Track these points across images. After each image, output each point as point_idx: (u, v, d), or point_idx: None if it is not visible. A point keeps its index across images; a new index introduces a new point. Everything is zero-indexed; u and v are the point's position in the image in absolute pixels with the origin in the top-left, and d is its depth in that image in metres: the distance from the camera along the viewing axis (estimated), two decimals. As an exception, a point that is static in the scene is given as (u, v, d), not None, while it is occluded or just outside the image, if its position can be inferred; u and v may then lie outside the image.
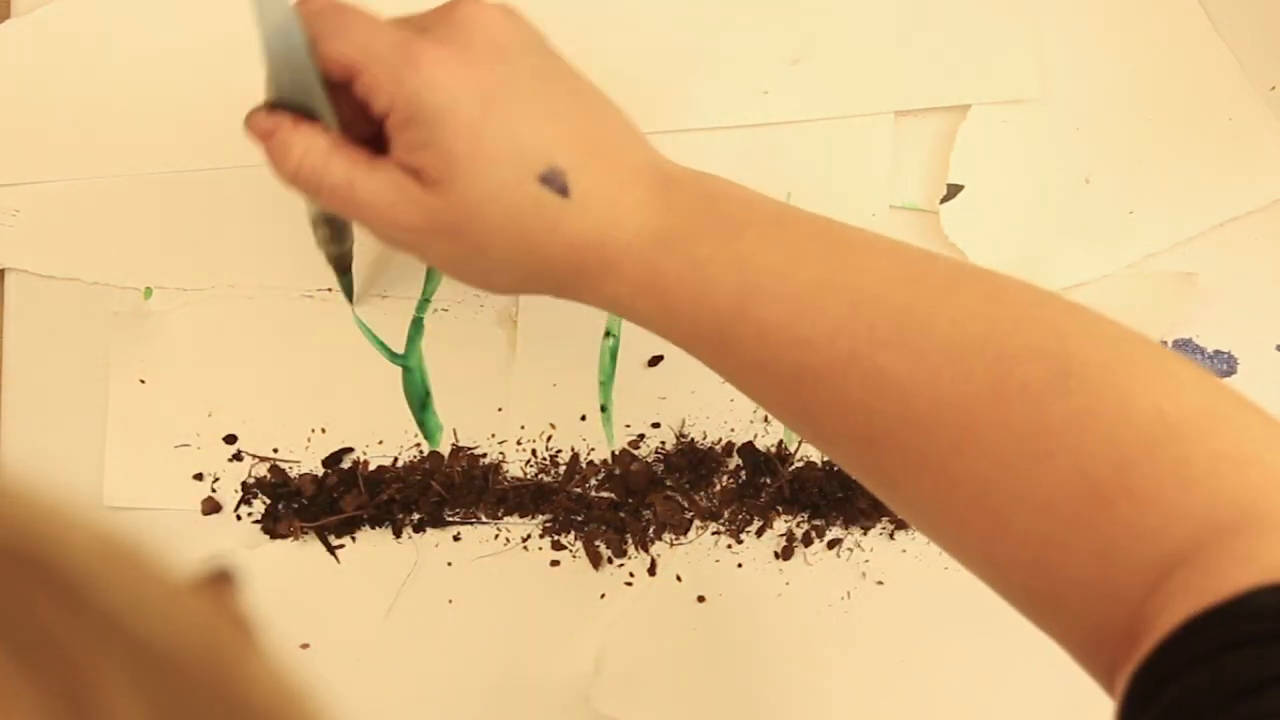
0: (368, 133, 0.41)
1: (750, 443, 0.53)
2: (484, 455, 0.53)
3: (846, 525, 0.53)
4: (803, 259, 0.40)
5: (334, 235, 0.48)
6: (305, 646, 0.52)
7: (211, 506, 0.53)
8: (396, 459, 0.53)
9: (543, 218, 0.40)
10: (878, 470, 0.40)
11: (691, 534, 0.53)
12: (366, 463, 0.53)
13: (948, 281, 0.39)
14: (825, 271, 0.39)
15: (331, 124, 0.41)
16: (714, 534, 0.53)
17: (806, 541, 0.53)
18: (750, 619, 0.53)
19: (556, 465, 0.53)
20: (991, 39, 0.54)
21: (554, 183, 0.40)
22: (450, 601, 0.53)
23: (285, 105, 0.41)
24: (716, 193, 0.42)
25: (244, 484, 0.53)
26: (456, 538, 0.53)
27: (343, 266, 0.50)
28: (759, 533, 0.53)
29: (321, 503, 0.53)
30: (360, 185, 0.40)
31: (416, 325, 0.54)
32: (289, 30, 0.39)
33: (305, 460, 0.53)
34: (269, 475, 0.53)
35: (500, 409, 0.53)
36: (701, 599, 0.53)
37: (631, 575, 0.53)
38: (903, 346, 0.38)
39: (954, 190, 0.54)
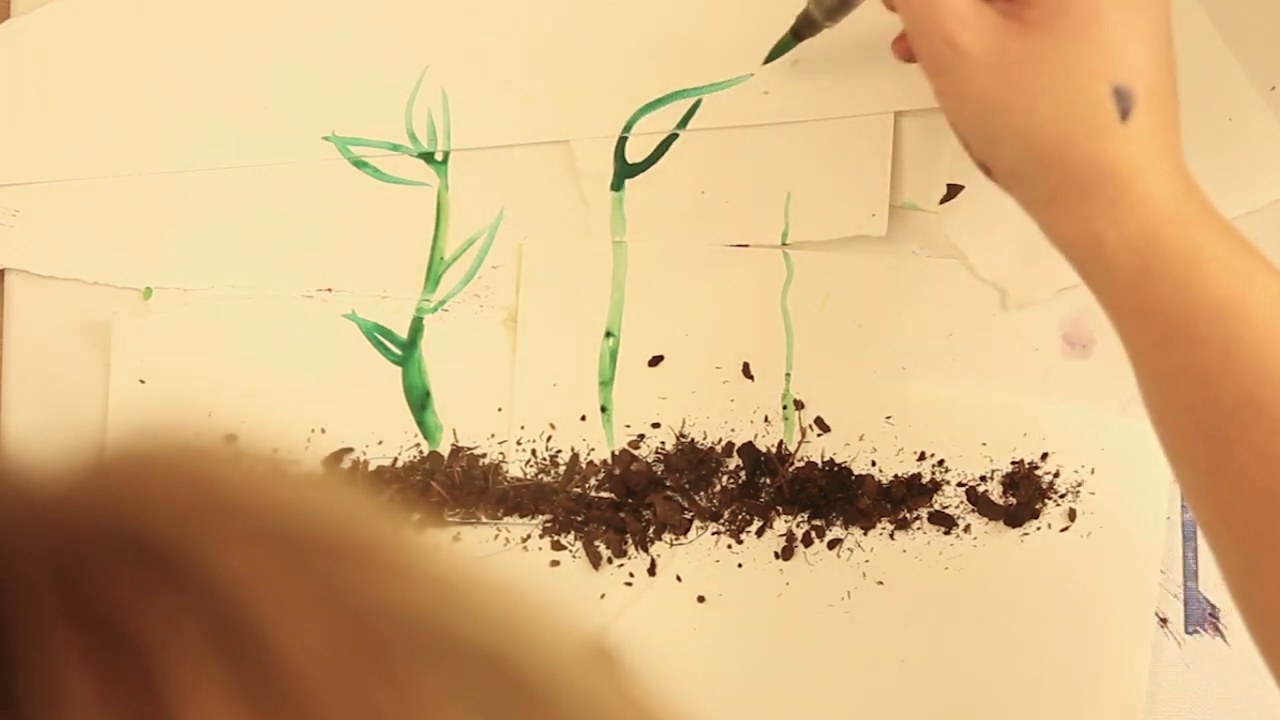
0: None
1: (750, 443, 0.53)
2: (484, 455, 0.53)
3: (846, 525, 0.53)
4: None
5: (834, 8, 0.48)
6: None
7: (211, 506, 0.53)
8: (396, 459, 0.53)
9: (1093, 119, 0.40)
10: (1258, 535, 0.38)
11: (691, 534, 0.53)
12: (366, 463, 0.53)
13: None
14: None
15: None
16: (714, 534, 0.53)
17: (806, 541, 0.53)
18: (750, 619, 0.53)
19: (556, 465, 0.53)
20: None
21: (1123, 100, 0.40)
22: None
23: None
24: (1227, 221, 0.42)
25: (244, 484, 0.53)
26: (456, 538, 0.53)
27: (805, 34, 0.50)
28: (759, 533, 0.53)
29: (321, 503, 0.52)
30: None
31: (416, 325, 0.54)
32: None
33: (305, 461, 0.53)
34: (269, 475, 0.53)
35: (500, 409, 0.53)
36: (701, 599, 0.53)
37: (631, 575, 0.53)
38: None
39: (954, 190, 0.54)
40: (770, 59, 0.51)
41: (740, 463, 0.53)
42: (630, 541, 0.53)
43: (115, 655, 0.18)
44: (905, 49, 0.46)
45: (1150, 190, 0.40)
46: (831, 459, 0.54)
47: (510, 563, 0.53)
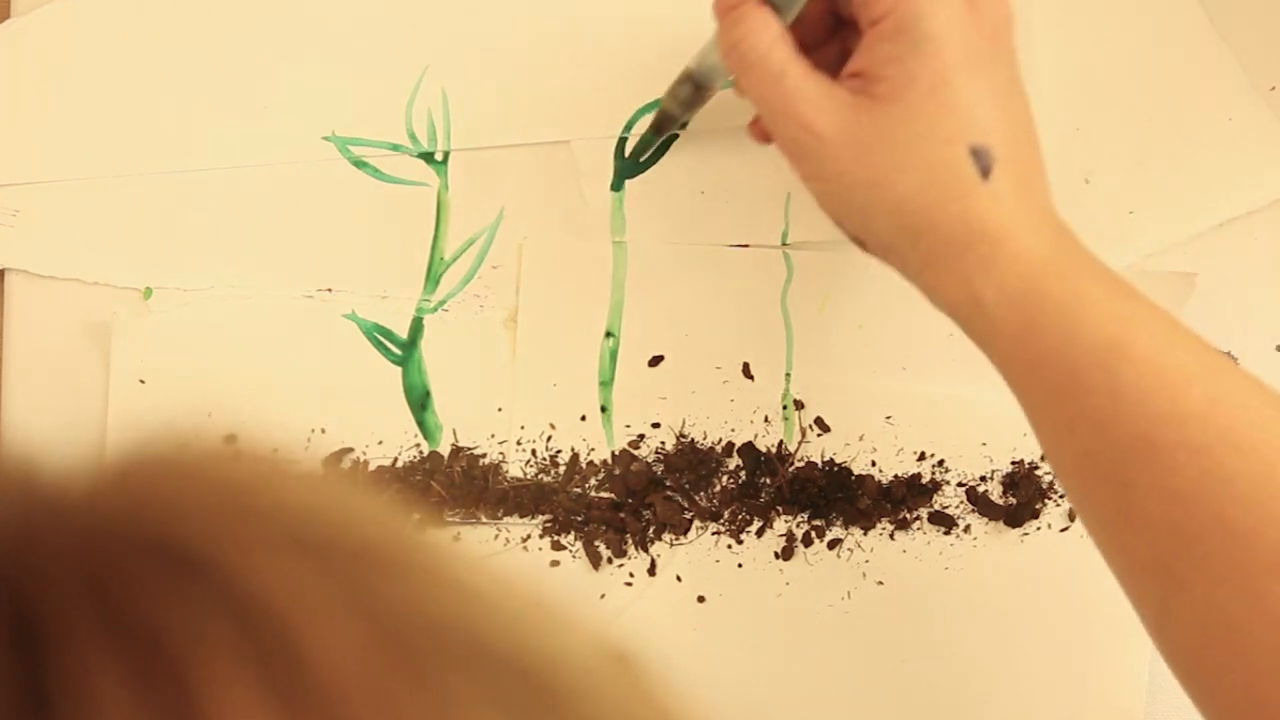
0: (810, 41, 0.43)
1: (750, 443, 0.53)
2: (484, 455, 0.53)
3: (846, 525, 0.53)
4: (1179, 344, 0.39)
5: (689, 100, 0.49)
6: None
7: (211, 506, 0.53)
8: (396, 459, 0.53)
9: (955, 183, 0.40)
10: (1166, 572, 0.38)
11: (691, 534, 0.53)
12: (366, 463, 0.53)
13: None
14: (1196, 364, 0.39)
15: (788, 17, 0.43)
16: (714, 534, 0.53)
17: (806, 541, 0.53)
18: (750, 619, 0.53)
19: (556, 465, 0.53)
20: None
21: (981, 160, 0.40)
22: (450, 601, 0.53)
23: None
24: (1102, 262, 0.42)
25: (244, 484, 0.53)
26: (456, 538, 0.53)
27: (665, 129, 0.51)
28: (759, 533, 0.53)
29: (321, 503, 0.53)
30: (792, 75, 0.42)
31: (416, 325, 0.54)
32: None
33: (305, 461, 0.53)
34: (269, 475, 0.53)
35: (500, 409, 0.53)
36: (701, 599, 0.53)
37: (631, 575, 0.53)
38: (1253, 455, 0.37)
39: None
40: (634, 156, 0.53)
41: (740, 463, 0.53)
42: (630, 541, 0.53)
43: (149, 661, 0.18)
44: (761, 131, 0.46)
45: (1022, 244, 0.40)
46: (831, 459, 0.54)
47: (510, 563, 0.53)
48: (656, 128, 0.51)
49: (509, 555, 0.53)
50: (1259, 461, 0.37)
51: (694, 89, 0.48)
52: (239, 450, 0.23)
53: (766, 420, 0.53)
